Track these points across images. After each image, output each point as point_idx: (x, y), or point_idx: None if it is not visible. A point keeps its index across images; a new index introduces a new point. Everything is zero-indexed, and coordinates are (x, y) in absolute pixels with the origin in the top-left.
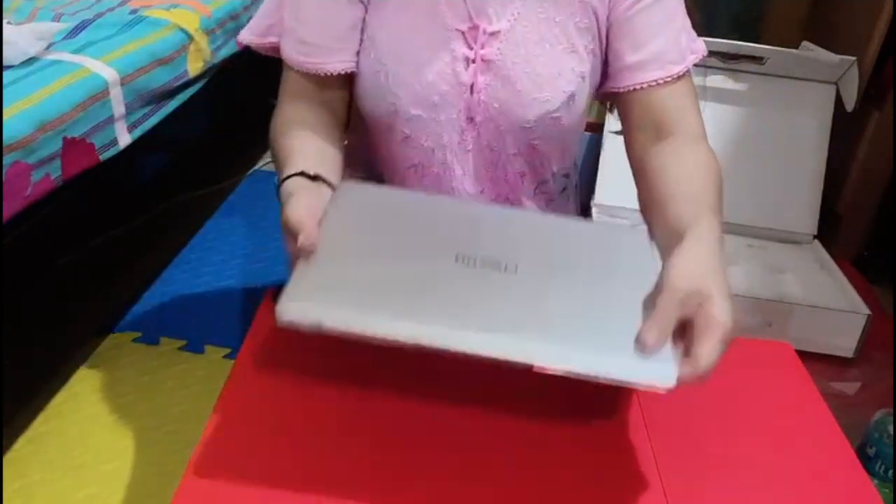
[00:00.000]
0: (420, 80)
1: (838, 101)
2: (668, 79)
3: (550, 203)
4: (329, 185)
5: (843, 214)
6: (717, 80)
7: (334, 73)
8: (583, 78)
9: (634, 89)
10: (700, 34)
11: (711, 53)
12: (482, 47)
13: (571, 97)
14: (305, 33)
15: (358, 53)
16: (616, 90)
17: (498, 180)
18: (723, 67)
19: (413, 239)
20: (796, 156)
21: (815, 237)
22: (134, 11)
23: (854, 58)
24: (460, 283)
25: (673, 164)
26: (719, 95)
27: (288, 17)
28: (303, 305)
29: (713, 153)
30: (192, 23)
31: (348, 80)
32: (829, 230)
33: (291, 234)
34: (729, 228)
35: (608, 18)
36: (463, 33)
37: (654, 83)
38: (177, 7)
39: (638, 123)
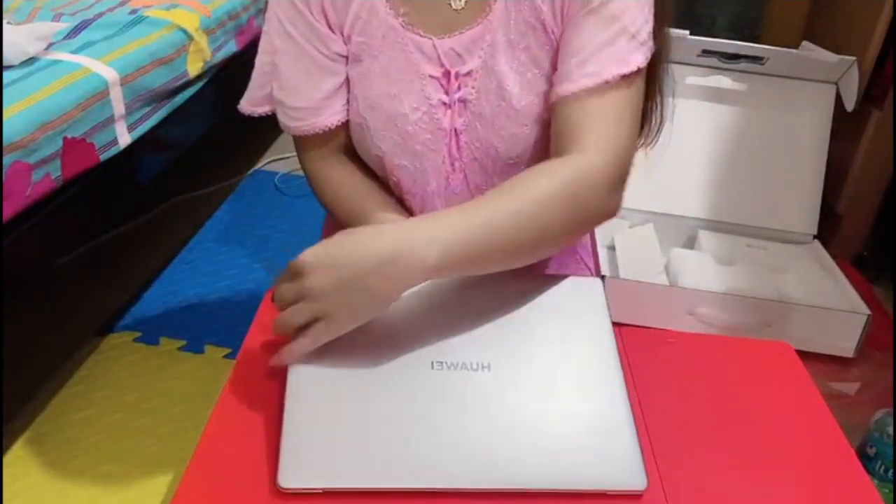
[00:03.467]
0: (399, 131)
1: (838, 101)
2: (594, 87)
3: None
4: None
5: (843, 214)
6: (717, 80)
7: (330, 128)
8: None
9: (557, 99)
10: (700, 34)
11: (711, 53)
12: (458, 89)
13: (549, 122)
14: (291, 101)
15: (348, 102)
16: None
17: None
18: (723, 67)
19: (387, 351)
20: (796, 156)
21: (815, 237)
22: (134, 11)
23: (854, 58)
24: (441, 400)
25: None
26: (719, 95)
27: (275, 89)
28: (303, 472)
29: (611, 183)
30: (192, 23)
31: (347, 127)
32: (829, 230)
33: None
34: (729, 228)
35: (560, 36)
36: (437, 79)
37: (576, 92)
38: (177, 7)
39: (555, 136)
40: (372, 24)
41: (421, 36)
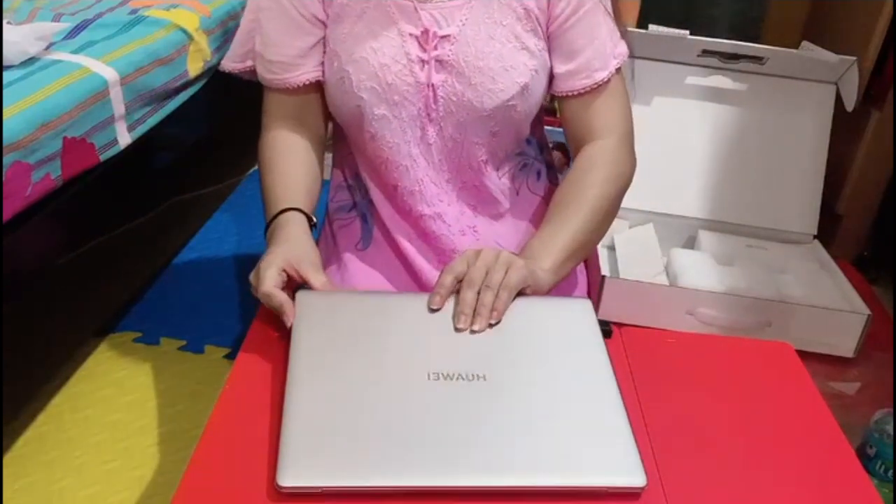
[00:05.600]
0: (380, 82)
1: (838, 101)
2: (594, 86)
3: (515, 180)
4: (307, 215)
5: (843, 214)
6: (717, 80)
7: (300, 85)
8: (536, 71)
9: (566, 95)
10: (700, 34)
11: (711, 53)
12: (435, 49)
13: (525, 87)
14: (270, 55)
15: (322, 64)
16: (552, 93)
17: (462, 168)
18: (723, 67)
19: (384, 362)
20: (796, 156)
21: (815, 237)
22: (134, 11)
23: (854, 58)
24: (438, 405)
25: (574, 168)
26: (719, 95)
27: (257, 43)
28: (301, 472)
29: (626, 153)
30: (192, 23)
31: (319, 89)
32: (829, 230)
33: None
34: (729, 228)
35: (547, 30)
36: (416, 37)
37: (581, 91)
38: (177, 7)
39: (570, 123)
40: None
41: None
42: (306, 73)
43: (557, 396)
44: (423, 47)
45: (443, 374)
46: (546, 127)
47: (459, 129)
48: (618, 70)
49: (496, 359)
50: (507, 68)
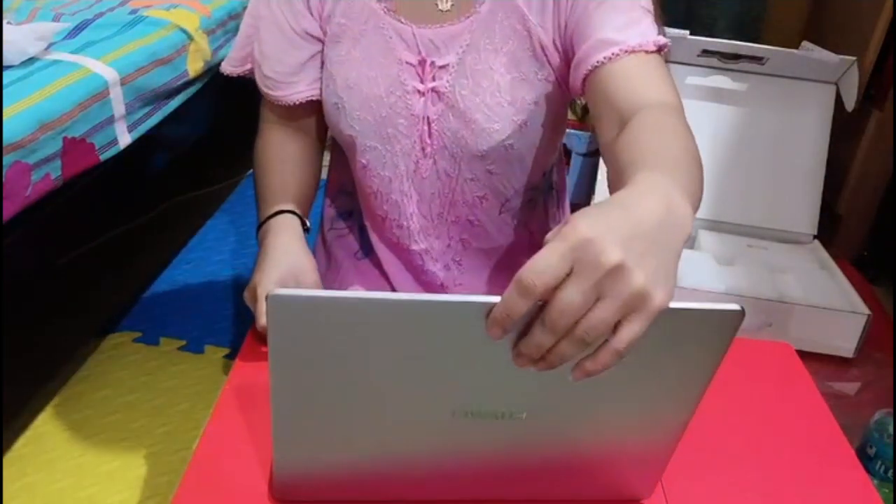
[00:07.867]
0: (374, 113)
1: (838, 101)
2: (614, 55)
3: (516, 219)
4: (301, 218)
5: (843, 214)
6: (717, 80)
7: (296, 103)
8: (536, 104)
9: (587, 75)
10: (700, 34)
11: (711, 53)
12: (432, 80)
13: (524, 124)
14: (266, 68)
15: (319, 80)
16: (578, 91)
17: (456, 204)
18: (723, 67)
19: (387, 397)
20: (796, 156)
21: (815, 237)
22: (134, 11)
23: (854, 58)
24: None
25: (627, 133)
26: (719, 95)
27: (255, 51)
28: (296, 488)
29: (685, 124)
30: (192, 23)
31: (316, 105)
32: (829, 230)
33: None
34: (729, 228)
35: (559, 40)
36: (414, 66)
37: (603, 61)
38: (177, 7)
39: (599, 111)
40: (355, 7)
41: (402, 23)
42: (301, 91)
43: (608, 438)
44: (421, 78)
45: (469, 412)
46: None
47: (453, 166)
48: (659, 52)
49: (543, 389)
50: (504, 104)
